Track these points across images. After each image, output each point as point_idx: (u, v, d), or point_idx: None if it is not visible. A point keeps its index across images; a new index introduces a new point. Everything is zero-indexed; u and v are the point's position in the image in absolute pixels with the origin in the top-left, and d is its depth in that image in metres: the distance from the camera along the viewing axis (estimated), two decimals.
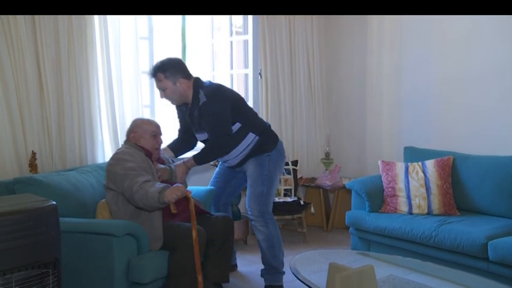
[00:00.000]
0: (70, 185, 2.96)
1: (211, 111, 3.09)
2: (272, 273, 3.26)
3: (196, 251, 2.65)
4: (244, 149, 3.22)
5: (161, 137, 3.10)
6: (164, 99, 3.22)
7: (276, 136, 3.35)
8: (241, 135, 3.19)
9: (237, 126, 3.17)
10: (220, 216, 3.18)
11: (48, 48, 3.31)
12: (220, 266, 3.11)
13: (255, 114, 3.37)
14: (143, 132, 3.02)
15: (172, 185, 2.77)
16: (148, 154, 3.00)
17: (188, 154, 3.39)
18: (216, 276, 3.09)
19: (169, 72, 3.09)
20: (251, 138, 3.21)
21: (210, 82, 3.25)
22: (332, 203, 4.95)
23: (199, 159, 3.17)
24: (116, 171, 2.81)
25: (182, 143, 3.44)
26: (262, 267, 3.32)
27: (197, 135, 3.29)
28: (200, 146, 3.37)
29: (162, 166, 3.12)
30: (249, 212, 3.25)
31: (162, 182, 2.97)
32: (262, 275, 3.33)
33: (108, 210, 2.93)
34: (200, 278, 2.66)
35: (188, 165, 3.18)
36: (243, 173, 3.35)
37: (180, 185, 2.73)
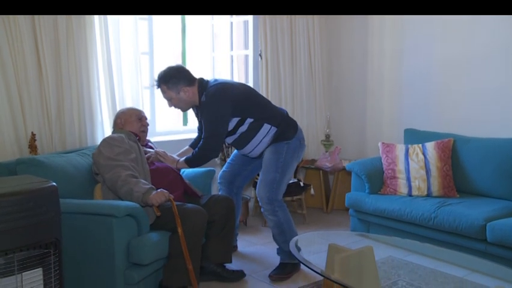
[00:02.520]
0: (71, 167, 2.97)
1: (206, 110, 3.12)
2: (286, 253, 3.29)
3: (183, 243, 2.69)
4: (261, 140, 3.21)
5: (147, 120, 3.26)
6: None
7: (296, 123, 3.33)
8: (255, 129, 3.18)
9: (248, 121, 3.16)
10: (221, 197, 3.20)
11: (47, 30, 3.27)
12: (222, 246, 3.14)
13: (268, 103, 3.34)
14: (128, 116, 3.17)
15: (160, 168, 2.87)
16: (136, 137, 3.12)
17: None
18: (218, 256, 3.13)
19: (171, 83, 3.12)
20: (266, 129, 3.19)
21: (216, 80, 3.22)
22: (332, 184, 4.96)
23: (190, 162, 3.20)
24: (99, 161, 2.87)
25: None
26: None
27: None
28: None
29: (152, 150, 3.27)
30: (258, 198, 3.26)
31: (152, 162, 3.16)
32: (278, 253, 3.38)
33: None
34: (190, 267, 2.70)
35: (179, 167, 3.22)
36: (262, 159, 3.32)
37: (165, 190, 2.78)
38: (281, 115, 3.28)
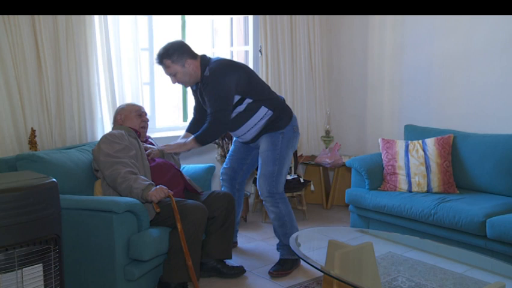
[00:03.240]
0: (71, 163, 2.97)
1: (210, 85, 3.08)
2: (286, 248, 3.30)
3: (182, 240, 2.68)
4: (256, 123, 3.21)
5: (147, 116, 3.23)
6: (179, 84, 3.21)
7: (291, 111, 3.33)
8: (252, 110, 3.18)
9: (247, 101, 3.16)
10: (221, 193, 3.20)
11: (46, 25, 3.27)
12: (222, 242, 3.14)
13: (267, 87, 3.33)
14: (128, 112, 3.16)
15: (161, 164, 2.85)
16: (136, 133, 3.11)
17: None
18: (218, 252, 3.13)
19: (176, 56, 3.07)
20: (263, 112, 3.19)
21: (219, 58, 3.21)
22: (332, 180, 4.97)
23: (200, 138, 3.12)
24: (99, 158, 2.86)
25: (198, 123, 3.40)
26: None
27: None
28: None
29: (152, 146, 3.23)
30: (259, 192, 3.27)
31: (153, 159, 3.13)
32: (277, 249, 3.38)
33: None
34: (190, 263, 2.70)
35: (188, 148, 3.17)
36: (258, 149, 3.33)
37: (164, 187, 2.77)
38: (278, 100, 3.29)
